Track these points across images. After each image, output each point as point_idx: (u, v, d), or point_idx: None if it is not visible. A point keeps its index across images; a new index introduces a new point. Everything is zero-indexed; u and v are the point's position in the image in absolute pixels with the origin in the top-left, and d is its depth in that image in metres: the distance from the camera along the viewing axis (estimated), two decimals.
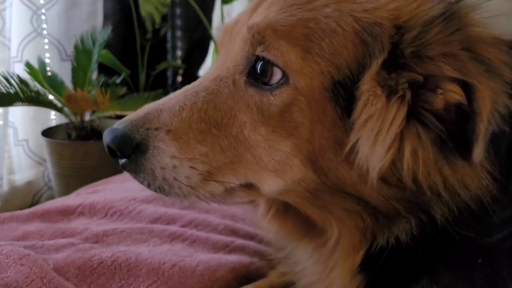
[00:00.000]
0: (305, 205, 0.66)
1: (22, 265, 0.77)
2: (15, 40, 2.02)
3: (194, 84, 0.66)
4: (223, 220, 1.10)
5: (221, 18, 2.67)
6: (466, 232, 0.57)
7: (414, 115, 0.55)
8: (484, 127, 0.51)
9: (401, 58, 0.55)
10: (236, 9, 3.16)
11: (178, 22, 2.74)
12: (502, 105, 0.52)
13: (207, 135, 0.61)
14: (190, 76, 2.83)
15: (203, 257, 0.92)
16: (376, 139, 0.54)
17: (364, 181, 0.57)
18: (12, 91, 1.79)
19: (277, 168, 0.61)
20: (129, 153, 0.61)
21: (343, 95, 0.57)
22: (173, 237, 1.00)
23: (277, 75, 0.59)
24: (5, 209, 1.97)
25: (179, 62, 2.77)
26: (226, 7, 2.85)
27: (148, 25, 2.43)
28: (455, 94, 0.53)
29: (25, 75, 1.87)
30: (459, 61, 0.53)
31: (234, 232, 1.06)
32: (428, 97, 0.54)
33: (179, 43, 2.77)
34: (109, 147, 0.62)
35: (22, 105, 1.88)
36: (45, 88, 1.92)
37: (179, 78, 2.81)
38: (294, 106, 0.58)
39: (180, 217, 1.08)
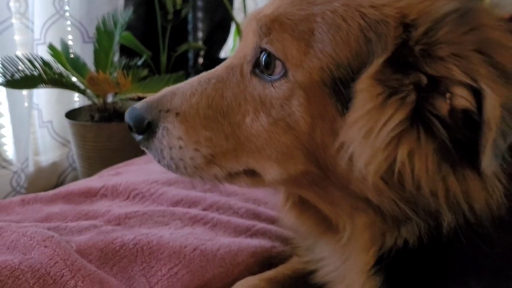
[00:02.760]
0: (315, 199, 0.66)
1: (46, 247, 0.78)
2: (38, 23, 2.03)
3: (211, 70, 0.68)
4: (244, 203, 1.09)
5: None
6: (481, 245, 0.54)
7: (419, 119, 0.52)
8: (492, 137, 0.47)
9: (410, 57, 0.52)
10: None
11: (199, 3, 2.71)
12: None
13: (213, 121, 0.64)
14: (212, 57, 2.81)
15: (224, 241, 0.92)
16: (365, 140, 0.53)
17: (364, 180, 0.56)
18: (36, 73, 1.80)
19: (279, 159, 0.62)
20: (143, 131, 0.67)
21: (343, 92, 0.56)
22: (194, 220, 0.99)
23: (278, 68, 0.59)
24: (31, 189, 2.01)
25: (200, 43, 2.75)
26: None
27: (169, 6, 2.41)
28: (463, 100, 0.50)
29: (48, 57, 1.88)
30: (470, 63, 0.49)
31: (256, 216, 1.05)
32: (435, 101, 0.52)
33: (200, 25, 2.75)
34: (128, 124, 0.68)
35: (46, 87, 1.90)
36: (68, 70, 1.93)
37: (201, 60, 2.79)
38: (294, 100, 0.59)
39: (202, 200, 1.07)
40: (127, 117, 0.68)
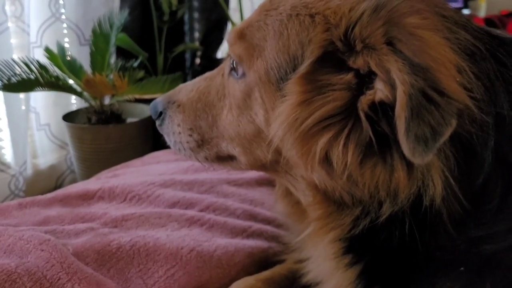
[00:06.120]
0: (289, 185, 0.72)
1: (42, 250, 0.78)
2: (34, 26, 2.03)
3: (213, 70, 0.79)
4: (241, 204, 1.09)
5: None
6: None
7: (348, 113, 0.55)
8: (403, 125, 0.47)
9: (337, 56, 0.56)
10: None
11: (195, 3, 2.70)
12: (425, 102, 0.47)
13: (201, 113, 0.76)
14: (209, 58, 2.81)
15: (221, 242, 0.92)
16: (285, 133, 0.58)
17: (302, 168, 0.61)
18: (32, 76, 1.81)
19: (247, 147, 0.71)
20: (156, 118, 0.82)
21: (285, 90, 0.62)
22: (191, 222, 1.00)
23: (241, 69, 0.69)
24: (30, 192, 2.02)
25: (197, 44, 2.74)
26: None
27: (165, 7, 2.41)
28: (380, 92, 0.51)
29: (44, 60, 1.88)
30: (381, 55, 0.51)
31: (253, 217, 1.06)
32: (362, 95, 0.54)
33: (196, 25, 2.74)
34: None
35: (43, 90, 1.90)
36: (65, 73, 1.93)
37: (198, 61, 2.79)
38: (251, 95, 0.67)
39: (199, 202, 1.08)
40: (150, 106, 0.84)
